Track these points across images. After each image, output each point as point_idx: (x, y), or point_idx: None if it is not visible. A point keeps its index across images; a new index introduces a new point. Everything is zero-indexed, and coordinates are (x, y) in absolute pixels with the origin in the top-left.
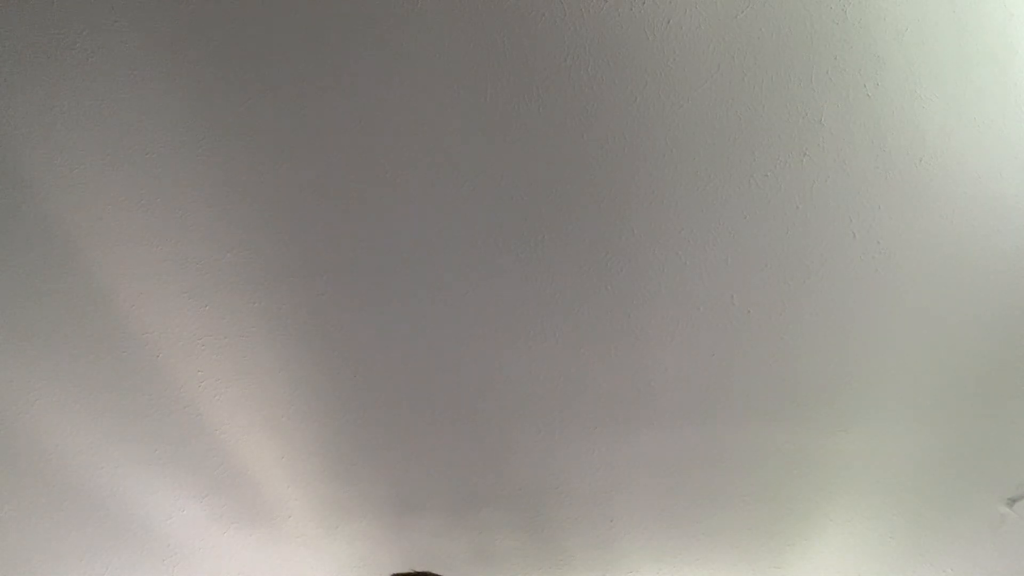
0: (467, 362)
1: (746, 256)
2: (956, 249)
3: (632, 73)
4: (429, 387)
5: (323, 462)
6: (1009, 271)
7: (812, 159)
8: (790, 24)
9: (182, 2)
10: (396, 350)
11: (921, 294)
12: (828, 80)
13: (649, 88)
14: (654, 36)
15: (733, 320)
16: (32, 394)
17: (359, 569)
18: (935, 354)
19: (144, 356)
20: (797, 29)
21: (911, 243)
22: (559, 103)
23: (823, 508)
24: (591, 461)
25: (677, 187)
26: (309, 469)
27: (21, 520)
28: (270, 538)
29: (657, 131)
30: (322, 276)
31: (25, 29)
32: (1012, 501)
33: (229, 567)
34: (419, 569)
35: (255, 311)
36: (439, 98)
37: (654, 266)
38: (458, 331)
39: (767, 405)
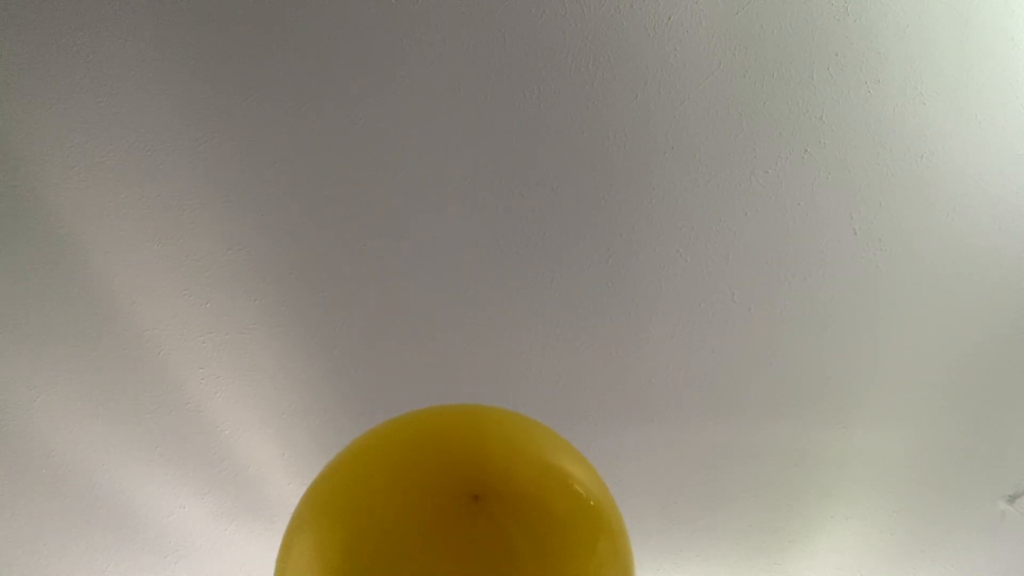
0: (467, 361)
1: (747, 253)
2: (957, 246)
3: (633, 70)
4: (429, 385)
5: (325, 459)
6: (1010, 268)
7: (813, 156)
8: (791, 21)
9: (182, 2)
10: (396, 348)
11: (922, 291)
12: (829, 77)
13: (650, 85)
14: (655, 33)
15: (734, 317)
16: (32, 392)
17: None
18: (936, 351)
19: (145, 353)
20: (798, 26)
21: (912, 240)
22: (559, 101)
23: (824, 505)
24: (590, 458)
25: (678, 184)
26: (311, 466)
27: (21, 518)
28: (272, 535)
29: (658, 128)
30: (324, 273)
31: (24, 28)
32: (1012, 498)
33: (230, 564)
34: None
35: (257, 308)
36: (438, 97)
37: (655, 263)
38: (458, 330)
39: (767, 402)
